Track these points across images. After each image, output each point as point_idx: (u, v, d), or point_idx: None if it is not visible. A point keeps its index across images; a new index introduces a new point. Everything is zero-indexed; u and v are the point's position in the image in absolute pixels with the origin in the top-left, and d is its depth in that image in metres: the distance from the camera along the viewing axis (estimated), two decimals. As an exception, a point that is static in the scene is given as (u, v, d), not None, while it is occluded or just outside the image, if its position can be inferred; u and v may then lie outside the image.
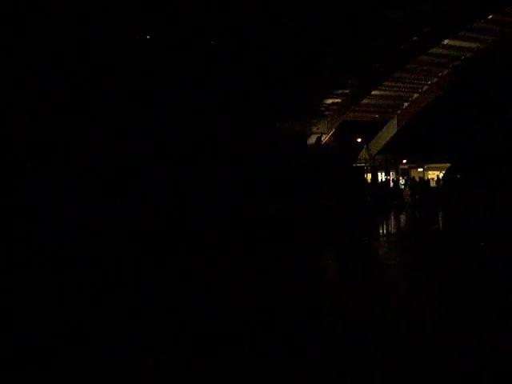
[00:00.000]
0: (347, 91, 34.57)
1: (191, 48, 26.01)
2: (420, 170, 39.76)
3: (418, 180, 36.22)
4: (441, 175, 37.21)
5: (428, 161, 38.76)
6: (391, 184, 38.43)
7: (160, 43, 24.94)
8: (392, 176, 40.74)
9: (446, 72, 34.55)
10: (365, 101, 35.80)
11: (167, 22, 24.46)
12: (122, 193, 18.07)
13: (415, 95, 36.95)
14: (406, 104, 37.63)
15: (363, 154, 39.16)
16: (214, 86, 27.88)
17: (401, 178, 39.23)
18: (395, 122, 38.07)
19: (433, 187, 36.29)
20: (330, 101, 35.37)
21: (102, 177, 19.00)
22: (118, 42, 22.73)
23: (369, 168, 39.75)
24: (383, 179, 39.81)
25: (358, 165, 39.18)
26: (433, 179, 37.07)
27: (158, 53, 24.33)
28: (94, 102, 20.99)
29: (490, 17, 28.34)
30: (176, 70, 24.78)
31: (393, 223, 23.40)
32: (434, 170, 38.61)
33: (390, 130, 38.37)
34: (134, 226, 14.49)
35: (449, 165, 36.71)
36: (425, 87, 36.23)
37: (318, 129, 36.91)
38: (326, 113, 36.17)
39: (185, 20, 24.65)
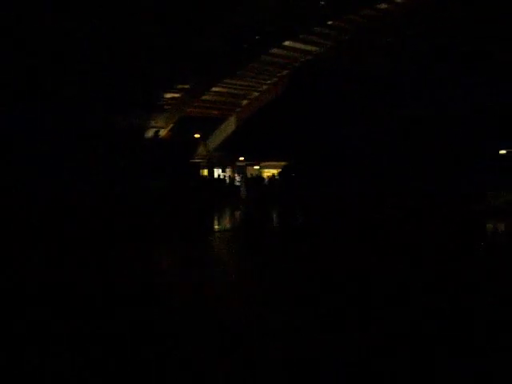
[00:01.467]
0: (187, 86, 33.96)
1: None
2: (256, 167, 40.37)
3: (253, 177, 36.79)
4: (276, 173, 38.25)
5: (265, 159, 39.46)
6: (227, 181, 38.64)
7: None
8: (228, 173, 40.96)
9: (285, 73, 35.31)
10: (205, 97, 35.37)
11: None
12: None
13: (255, 94, 37.32)
14: (245, 102, 37.88)
15: (201, 149, 38.91)
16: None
17: (236, 175, 39.56)
18: (234, 119, 38.19)
19: (268, 184, 37.08)
20: (169, 95, 34.45)
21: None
22: None
23: (206, 164, 39.63)
24: (220, 176, 39.86)
25: (196, 160, 38.88)
26: (268, 177, 37.86)
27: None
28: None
29: (330, 22, 29.39)
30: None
31: (227, 220, 23.33)
32: (271, 168, 39.43)
33: (228, 127, 38.40)
34: None
35: (285, 163, 37.83)
36: (264, 86, 36.73)
37: (156, 123, 35.90)
38: (166, 107, 35.19)
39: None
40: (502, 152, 27.73)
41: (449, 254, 10.27)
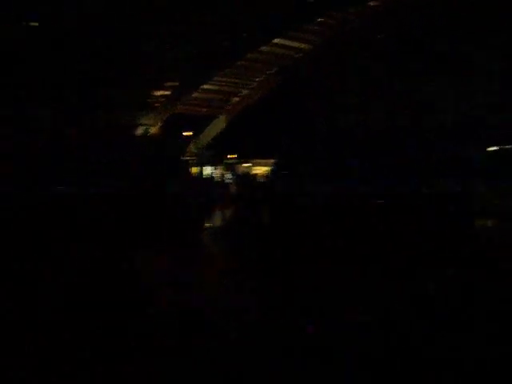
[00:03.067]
0: (176, 84, 33.89)
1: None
2: (247, 165, 40.26)
3: (244, 175, 36.81)
4: (265, 170, 38.25)
5: (254, 156, 39.37)
6: (218, 178, 38.58)
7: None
8: (219, 170, 40.81)
9: (274, 70, 35.26)
10: (195, 94, 35.31)
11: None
12: None
13: (245, 91, 37.25)
14: (235, 99, 37.80)
15: (191, 147, 38.81)
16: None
17: (227, 172, 39.45)
18: (224, 117, 38.10)
19: (258, 182, 37.07)
20: (159, 93, 34.36)
21: None
22: None
23: (196, 162, 39.51)
24: (210, 173, 39.74)
25: (186, 158, 38.77)
26: (258, 174, 37.83)
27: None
28: None
29: (320, 19, 29.42)
30: None
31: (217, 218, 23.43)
32: (261, 165, 39.34)
33: (218, 125, 38.31)
34: None
35: (274, 160, 37.77)
36: (254, 84, 36.67)
37: (145, 120, 35.82)
38: (156, 105, 35.10)
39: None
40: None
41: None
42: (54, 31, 27.10)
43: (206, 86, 35.08)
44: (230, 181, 39.05)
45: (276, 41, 31.34)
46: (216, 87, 35.72)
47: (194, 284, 8.60)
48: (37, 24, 26.23)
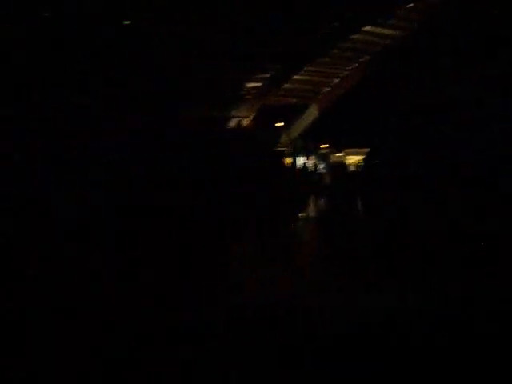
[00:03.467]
0: (268, 75, 34.12)
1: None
2: (339, 154, 39.94)
3: (337, 165, 36.57)
4: (358, 160, 37.81)
5: (348, 145, 38.97)
6: (311, 169, 38.59)
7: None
8: (312, 160, 40.76)
9: (366, 58, 34.68)
10: (286, 85, 35.40)
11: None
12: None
13: (336, 81, 36.91)
14: (326, 89, 37.54)
15: (284, 138, 38.97)
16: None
17: (320, 162, 39.36)
18: (316, 106, 37.93)
19: (352, 172, 36.73)
20: (250, 84, 34.74)
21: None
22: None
23: (289, 152, 39.65)
24: (303, 164, 39.78)
25: (280, 149, 39.03)
26: (352, 164, 37.45)
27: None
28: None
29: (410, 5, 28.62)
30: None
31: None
32: (354, 154, 38.93)
33: (310, 115, 38.20)
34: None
35: (368, 150, 37.27)
36: (345, 72, 36.24)
37: (238, 113, 36.37)
38: (247, 97, 35.54)
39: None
40: None
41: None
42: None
43: (297, 77, 35.06)
44: (323, 171, 38.99)
45: (367, 28, 30.76)
46: (307, 77, 35.61)
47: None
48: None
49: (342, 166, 38.13)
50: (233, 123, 36.77)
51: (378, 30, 31.06)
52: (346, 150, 39.68)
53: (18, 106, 22.35)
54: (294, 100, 37.62)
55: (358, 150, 38.52)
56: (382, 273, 8.70)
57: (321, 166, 39.02)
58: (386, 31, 31.44)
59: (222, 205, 21.57)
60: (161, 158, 26.48)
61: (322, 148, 39.85)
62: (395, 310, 6.82)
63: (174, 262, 10.38)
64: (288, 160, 39.70)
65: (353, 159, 38.55)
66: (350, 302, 7.29)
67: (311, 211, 23.55)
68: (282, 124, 37.80)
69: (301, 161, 40.50)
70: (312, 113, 38.11)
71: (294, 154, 39.92)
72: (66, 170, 21.17)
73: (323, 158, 39.91)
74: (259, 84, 34.94)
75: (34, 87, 23.36)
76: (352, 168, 38.04)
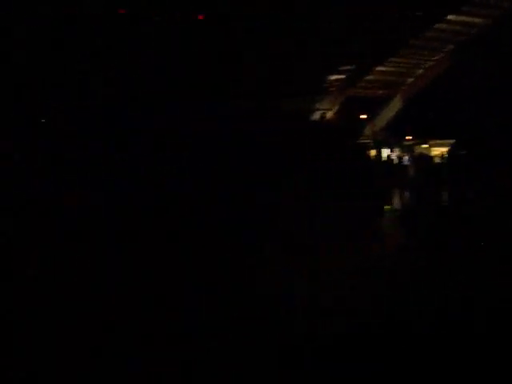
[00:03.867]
0: (352, 67, 34.43)
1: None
2: (424, 146, 39.63)
3: (422, 156, 36.27)
4: (443, 151, 37.25)
5: (433, 137, 38.62)
6: (395, 161, 38.42)
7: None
8: (396, 153, 40.64)
9: (450, 47, 34.33)
10: (370, 77, 35.63)
11: None
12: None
13: (420, 71, 36.75)
14: (410, 80, 37.43)
15: (368, 130, 39.12)
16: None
17: (405, 154, 39.13)
18: (400, 98, 37.90)
19: (437, 164, 36.30)
20: (334, 77, 35.22)
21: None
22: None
23: (373, 145, 39.72)
24: (388, 156, 39.73)
25: (364, 141, 39.16)
26: (437, 156, 37.03)
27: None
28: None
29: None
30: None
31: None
32: (440, 146, 38.49)
33: (394, 106, 38.22)
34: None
35: (454, 141, 36.70)
36: (429, 63, 36.02)
37: (321, 105, 36.87)
38: (331, 89, 36.04)
39: None
40: None
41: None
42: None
43: (380, 68, 35.20)
44: (408, 163, 38.71)
45: (450, 17, 30.54)
46: (391, 68, 35.70)
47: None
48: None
49: (427, 157, 37.77)
50: (317, 116, 37.32)
51: (463, 18, 30.74)
52: (431, 142, 39.33)
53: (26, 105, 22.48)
54: (378, 92, 37.75)
55: (442, 141, 38.07)
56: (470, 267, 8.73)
57: (405, 158, 38.79)
58: (471, 20, 31.05)
59: (314, 194, 21.72)
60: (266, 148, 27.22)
61: (406, 140, 39.68)
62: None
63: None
64: (372, 152, 39.81)
65: (438, 151, 38.09)
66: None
67: (396, 204, 23.61)
68: (366, 116, 37.98)
69: (385, 153, 40.50)
70: (396, 104, 38.11)
71: (378, 147, 39.97)
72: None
73: (407, 149, 39.71)
74: (343, 76, 35.35)
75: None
76: (437, 160, 37.60)
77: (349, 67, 34.51)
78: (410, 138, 39.20)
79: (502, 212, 14.50)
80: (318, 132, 35.23)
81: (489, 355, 5.15)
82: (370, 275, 8.58)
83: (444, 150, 37.46)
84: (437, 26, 31.38)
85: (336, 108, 37.11)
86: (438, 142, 38.56)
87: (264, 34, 29.95)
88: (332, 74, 35.03)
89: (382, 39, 31.91)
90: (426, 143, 39.34)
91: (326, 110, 37.19)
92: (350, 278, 8.37)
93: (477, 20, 31.12)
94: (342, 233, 12.84)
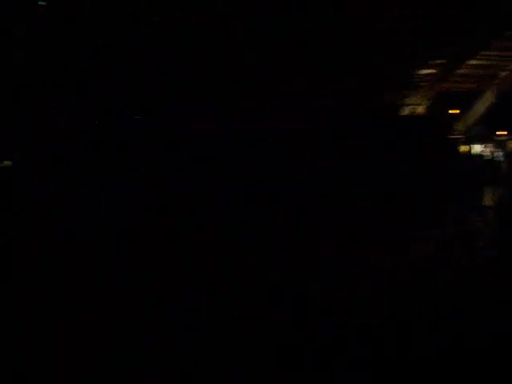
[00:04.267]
0: (443, 61, 34.34)
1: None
2: (518, 141, 38.97)
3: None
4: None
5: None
6: (487, 156, 37.98)
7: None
8: (488, 148, 40.13)
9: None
10: (461, 71, 35.41)
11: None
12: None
13: (513, 64, 36.15)
14: (503, 73, 36.86)
15: (459, 125, 38.88)
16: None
17: (497, 150, 38.60)
18: (492, 92, 37.39)
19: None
20: (425, 71, 35.29)
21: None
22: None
23: (465, 140, 39.40)
24: (479, 152, 39.31)
25: (455, 136, 38.94)
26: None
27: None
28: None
29: None
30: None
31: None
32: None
33: (486, 101, 37.69)
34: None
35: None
36: (524, 56, 35.35)
37: (411, 100, 37.01)
38: (421, 84, 36.13)
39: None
40: None
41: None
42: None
43: (472, 62, 34.88)
44: (501, 159, 38.18)
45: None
46: (483, 62, 35.28)
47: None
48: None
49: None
50: (408, 110, 37.50)
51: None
52: (525, 137, 38.64)
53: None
54: (469, 86, 37.42)
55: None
56: None
57: (498, 154, 38.28)
58: None
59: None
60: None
61: (500, 135, 39.13)
62: None
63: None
64: (464, 148, 39.51)
65: (532, 146, 37.41)
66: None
67: (489, 200, 23.57)
68: (457, 111, 37.78)
69: (477, 148, 40.08)
70: (488, 98, 37.59)
71: (470, 142, 39.64)
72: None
73: (500, 145, 39.17)
74: (434, 71, 35.36)
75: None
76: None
77: (440, 61, 34.42)
78: (504, 133, 38.64)
79: None
80: (411, 128, 35.48)
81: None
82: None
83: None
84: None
85: (427, 103, 37.16)
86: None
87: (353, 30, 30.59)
88: (423, 68, 35.07)
89: (474, 32, 31.68)
90: (520, 139, 38.69)
91: (416, 105, 37.31)
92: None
93: None
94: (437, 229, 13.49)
